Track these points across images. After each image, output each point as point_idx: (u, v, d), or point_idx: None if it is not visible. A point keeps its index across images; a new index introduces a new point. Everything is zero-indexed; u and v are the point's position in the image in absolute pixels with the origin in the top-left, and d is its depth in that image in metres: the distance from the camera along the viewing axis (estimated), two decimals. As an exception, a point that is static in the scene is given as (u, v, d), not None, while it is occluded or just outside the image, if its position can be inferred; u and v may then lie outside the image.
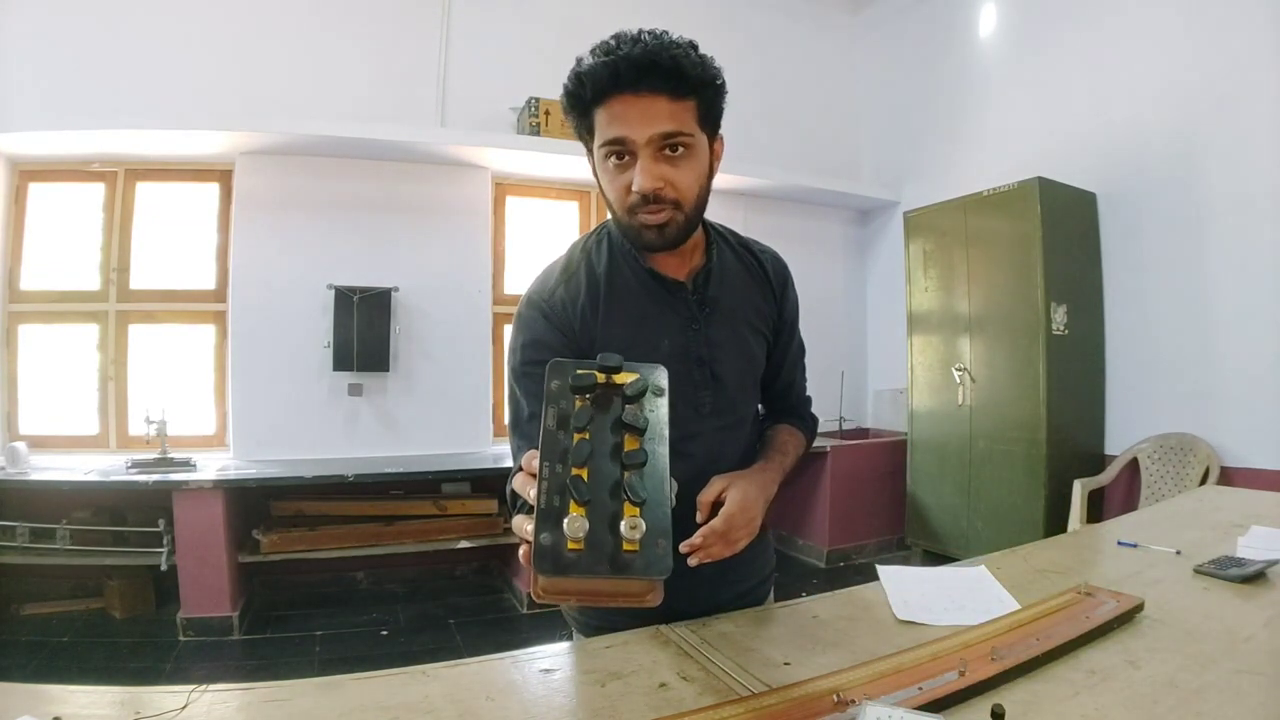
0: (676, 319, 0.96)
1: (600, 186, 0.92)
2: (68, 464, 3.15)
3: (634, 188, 0.85)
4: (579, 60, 0.85)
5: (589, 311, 0.94)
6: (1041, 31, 3.73)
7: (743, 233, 1.11)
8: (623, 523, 0.52)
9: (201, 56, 3.43)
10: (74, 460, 3.21)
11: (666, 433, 0.59)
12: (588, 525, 0.51)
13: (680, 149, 0.85)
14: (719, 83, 0.88)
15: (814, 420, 1.17)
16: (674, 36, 0.85)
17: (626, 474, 0.55)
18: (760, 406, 1.12)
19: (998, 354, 3.48)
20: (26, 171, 3.45)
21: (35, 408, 3.45)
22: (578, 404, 0.58)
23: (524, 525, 0.58)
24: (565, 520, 0.51)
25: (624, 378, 0.60)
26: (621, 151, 0.85)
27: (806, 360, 1.17)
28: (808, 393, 1.18)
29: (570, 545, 0.51)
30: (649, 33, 0.83)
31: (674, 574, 1.01)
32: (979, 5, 4.11)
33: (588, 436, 0.56)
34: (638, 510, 0.53)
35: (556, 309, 0.94)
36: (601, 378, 0.59)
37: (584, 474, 0.54)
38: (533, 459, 0.58)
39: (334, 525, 3.32)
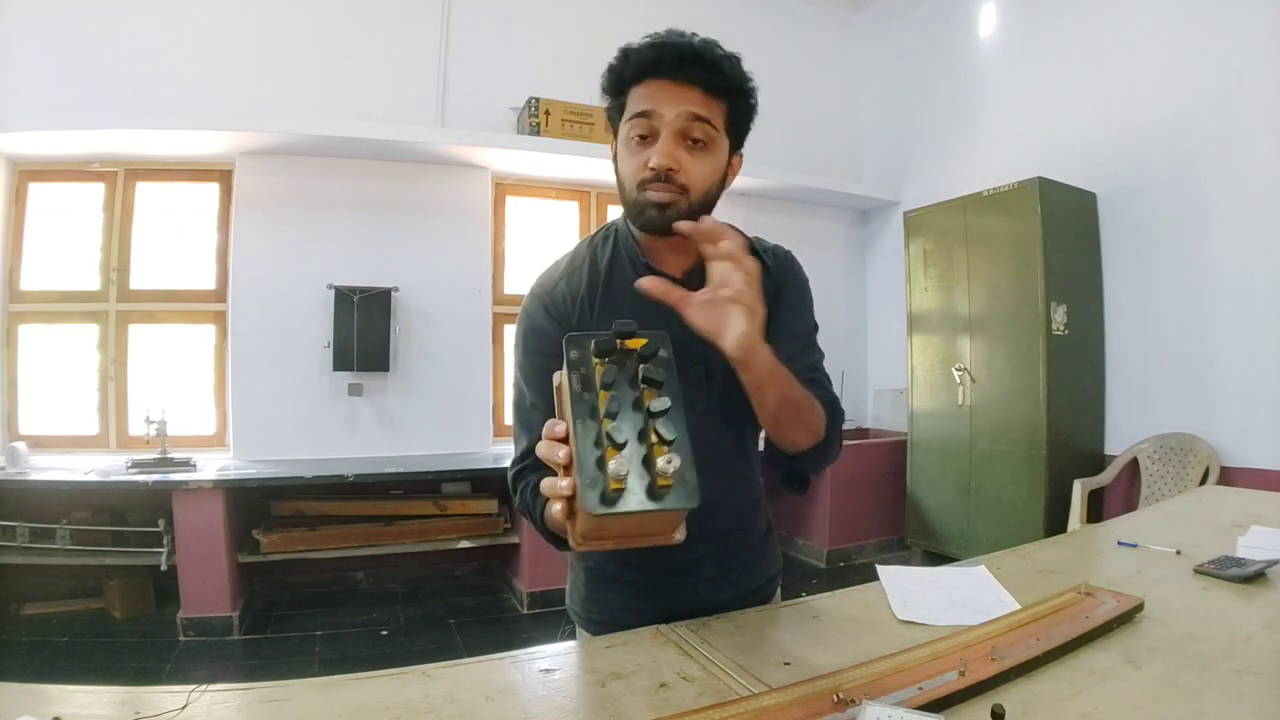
0: (674, 315, 0.96)
1: (616, 169, 0.94)
2: (68, 464, 3.15)
3: (650, 163, 0.88)
4: (631, 45, 0.89)
5: (588, 305, 0.96)
6: (1041, 31, 3.73)
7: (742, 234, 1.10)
8: (659, 459, 0.59)
9: (201, 56, 3.43)
10: (74, 460, 3.22)
11: (678, 384, 0.65)
12: (627, 465, 0.58)
13: (701, 141, 0.88)
14: (752, 99, 0.92)
15: (836, 403, 1.02)
16: (716, 43, 0.90)
17: (653, 420, 0.61)
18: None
19: (998, 354, 3.48)
20: (26, 171, 3.45)
21: (35, 408, 3.45)
22: (599, 368, 0.64)
23: (556, 484, 0.63)
24: (611, 461, 0.58)
25: (637, 343, 0.67)
26: (646, 128, 0.88)
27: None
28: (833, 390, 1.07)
29: (613, 485, 0.58)
30: (692, 34, 0.89)
31: (677, 574, 1.02)
32: (979, 5, 4.11)
33: (614, 393, 0.63)
34: (667, 449, 0.60)
35: (557, 302, 0.97)
36: (619, 343, 0.66)
37: (614, 425, 0.60)
38: (555, 425, 0.64)
39: (334, 525, 3.32)
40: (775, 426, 0.91)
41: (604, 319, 0.95)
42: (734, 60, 0.89)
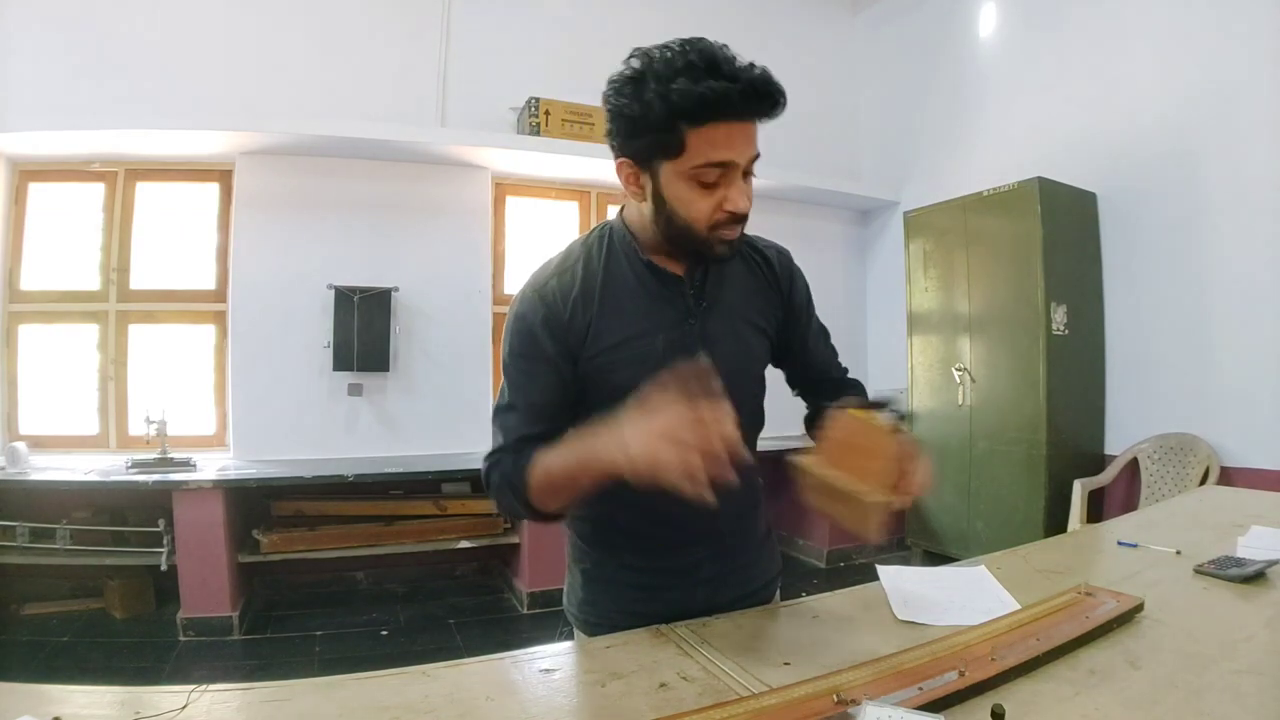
0: (673, 313, 0.97)
1: (667, 199, 0.88)
2: (68, 464, 3.15)
3: (729, 207, 0.87)
4: (651, 73, 0.82)
5: (581, 304, 0.94)
6: (1041, 31, 3.73)
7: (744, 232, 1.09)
8: None
9: (201, 56, 3.43)
10: (74, 460, 3.21)
11: None
12: None
13: (752, 171, 0.90)
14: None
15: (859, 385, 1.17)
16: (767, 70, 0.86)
17: None
18: (803, 398, 1.17)
19: (998, 354, 3.48)
20: (26, 171, 3.45)
21: (35, 408, 3.45)
22: None
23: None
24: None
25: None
26: (718, 175, 0.86)
27: None
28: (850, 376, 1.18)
29: None
30: (738, 58, 0.84)
31: (675, 575, 1.02)
32: (979, 5, 4.11)
33: None
34: None
35: (547, 299, 0.95)
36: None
37: None
38: None
39: (334, 525, 3.32)
40: None
41: (604, 318, 0.94)
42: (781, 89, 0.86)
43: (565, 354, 0.94)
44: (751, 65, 0.84)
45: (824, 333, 1.16)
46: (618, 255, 0.98)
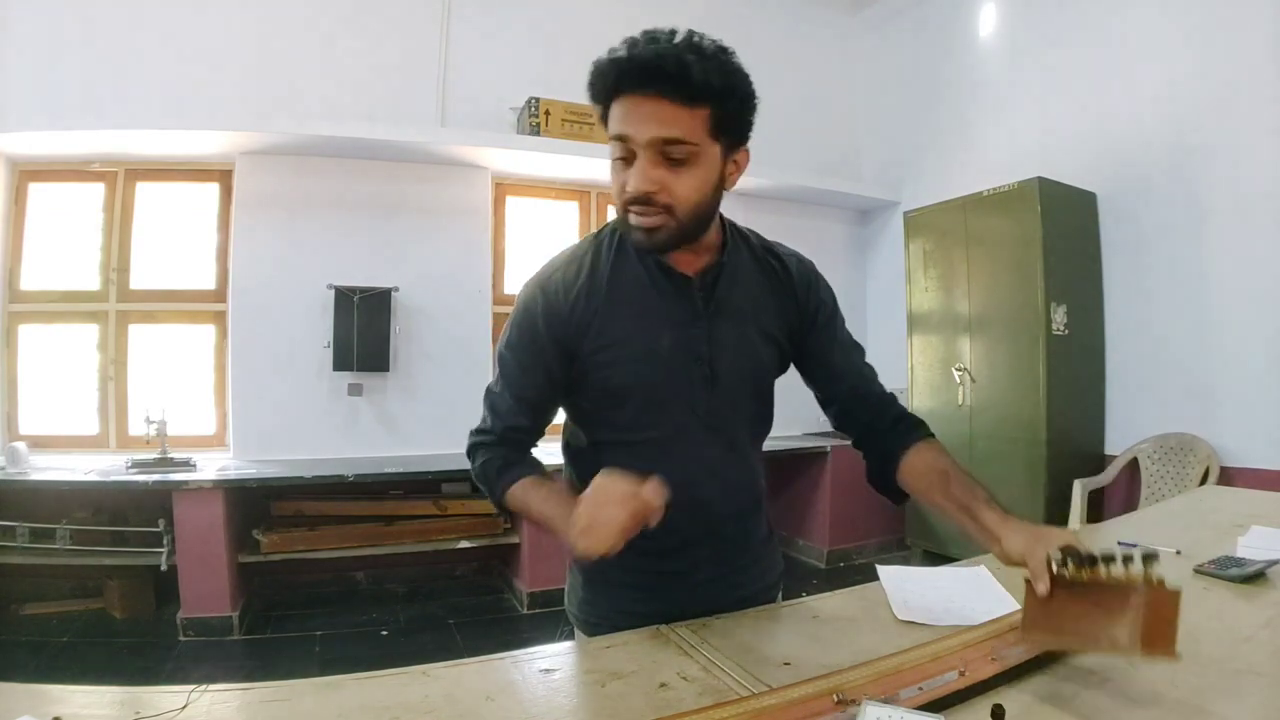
0: (680, 314, 0.95)
1: None
2: (68, 464, 3.15)
3: (626, 187, 0.86)
4: (610, 50, 0.85)
5: (585, 297, 0.94)
6: (1041, 31, 3.73)
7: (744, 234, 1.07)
8: None
9: (201, 56, 3.43)
10: (74, 460, 3.21)
11: None
12: None
13: (680, 159, 0.84)
14: (740, 95, 0.86)
15: (916, 418, 1.07)
16: (700, 40, 0.83)
17: None
18: (834, 414, 1.09)
19: (998, 354, 3.48)
20: (26, 171, 3.45)
21: (35, 408, 3.45)
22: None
23: None
24: None
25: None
26: (623, 150, 0.86)
27: None
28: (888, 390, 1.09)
29: None
30: (670, 34, 0.83)
31: (675, 577, 1.02)
32: (979, 5, 4.11)
33: None
34: None
35: (549, 291, 0.95)
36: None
37: None
38: None
39: (334, 525, 3.32)
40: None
41: (609, 315, 0.94)
42: (712, 60, 0.82)
43: (561, 350, 0.95)
44: (670, 39, 0.82)
45: (855, 348, 1.08)
46: (628, 252, 0.97)
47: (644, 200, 0.85)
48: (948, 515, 0.93)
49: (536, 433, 1.02)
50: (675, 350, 0.94)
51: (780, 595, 1.14)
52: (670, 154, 0.83)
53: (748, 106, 0.88)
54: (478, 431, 1.02)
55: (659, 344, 0.94)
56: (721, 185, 0.91)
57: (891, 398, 1.08)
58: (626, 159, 0.86)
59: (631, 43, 0.83)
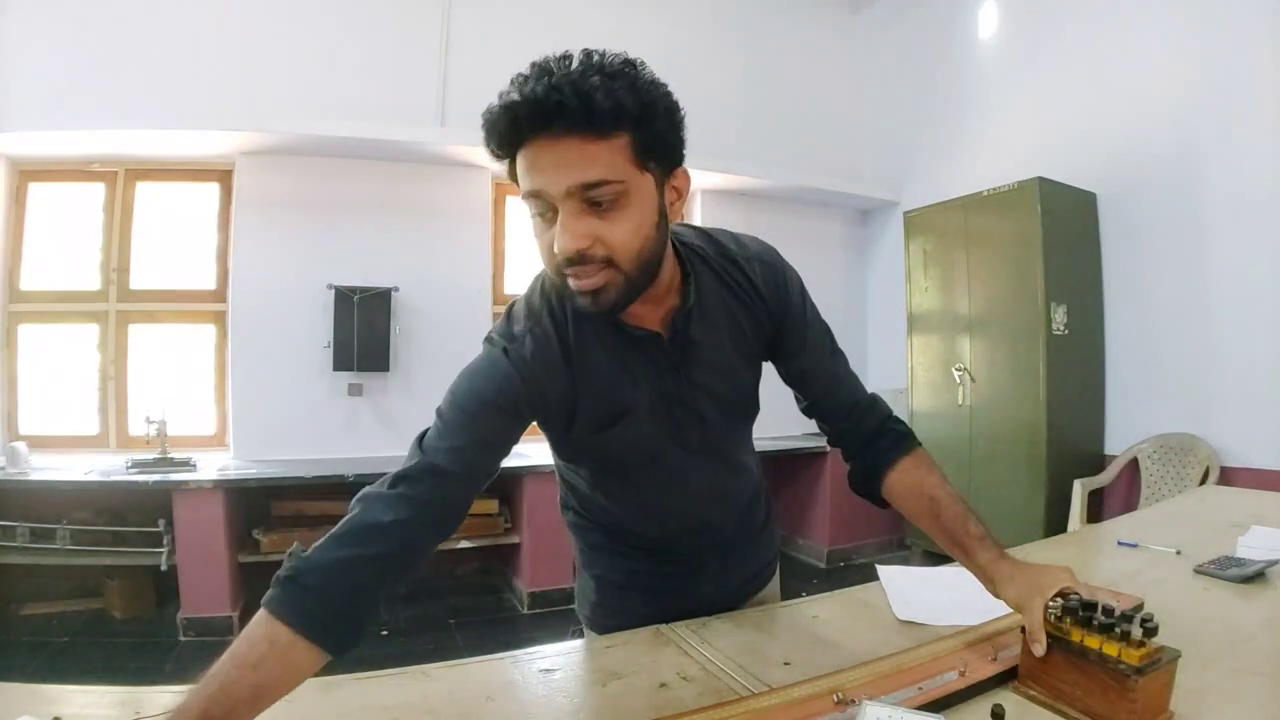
0: (654, 366, 0.87)
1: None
2: (68, 464, 3.15)
3: (555, 249, 0.72)
4: (500, 94, 0.73)
5: (563, 378, 0.84)
6: (1041, 31, 3.73)
7: (743, 232, 0.99)
8: None
9: (201, 56, 3.43)
10: (74, 460, 3.21)
11: None
12: None
13: (605, 202, 0.71)
14: (662, 109, 0.73)
15: (900, 424, 0.99)
16: (601, 59, 0.71)
17: None
18: (816, 419, 1.01)
19: (998, 354, 3.48)
20: (26, 171, 3.45)
21: (35, 408, 3.45)
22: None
23: None
24: None
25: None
26: (540, 206, 0.74)
27: None
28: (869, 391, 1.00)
29: None
30: (563, 61, 0.70)
31: (685, 577, 1.04)
32: (979, 5, 4.10)
33: None
34: None
35: (518, 363, 0.83)
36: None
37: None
38: None
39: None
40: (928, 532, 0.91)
41: (584, 381, 0.85)
42: (619, 78, 0.69)
43: (522, 427, 0.84)
44: (564, 66, 0.69)
45: (827, 342, 0.99)
46: (584, 316, 0.83)
47: (578, 260, 0.72)
48: (937, 542, 0.89)
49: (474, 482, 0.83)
50: (656, 398, 0.88)
51: (777, 574, 1.18)
52: (595, 199, 0.71)
53: (673, 122, 0.75)
54: (391, 478, 0.84)
55: (640, 408, 0.87)
56: (665, 219, 0.78)
57: (872, 401, 0.99)
58: (547, 218, 0.74)
59: (521, 80, 0.71)
